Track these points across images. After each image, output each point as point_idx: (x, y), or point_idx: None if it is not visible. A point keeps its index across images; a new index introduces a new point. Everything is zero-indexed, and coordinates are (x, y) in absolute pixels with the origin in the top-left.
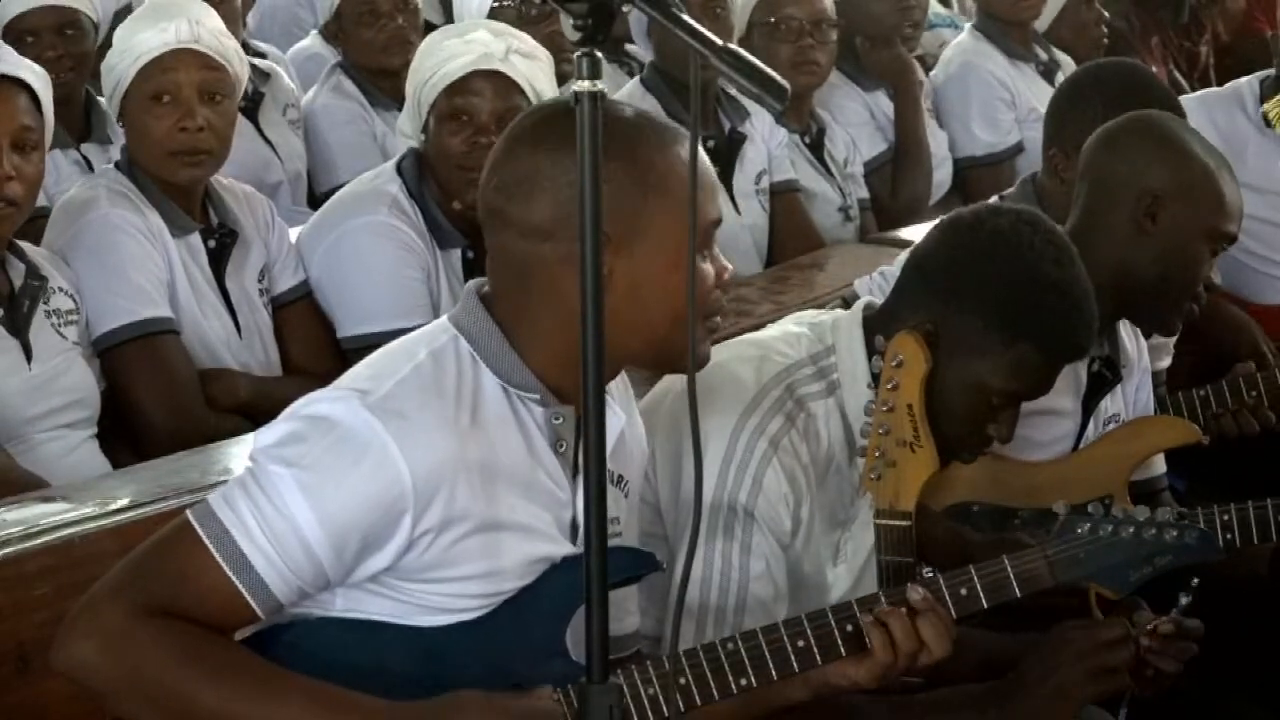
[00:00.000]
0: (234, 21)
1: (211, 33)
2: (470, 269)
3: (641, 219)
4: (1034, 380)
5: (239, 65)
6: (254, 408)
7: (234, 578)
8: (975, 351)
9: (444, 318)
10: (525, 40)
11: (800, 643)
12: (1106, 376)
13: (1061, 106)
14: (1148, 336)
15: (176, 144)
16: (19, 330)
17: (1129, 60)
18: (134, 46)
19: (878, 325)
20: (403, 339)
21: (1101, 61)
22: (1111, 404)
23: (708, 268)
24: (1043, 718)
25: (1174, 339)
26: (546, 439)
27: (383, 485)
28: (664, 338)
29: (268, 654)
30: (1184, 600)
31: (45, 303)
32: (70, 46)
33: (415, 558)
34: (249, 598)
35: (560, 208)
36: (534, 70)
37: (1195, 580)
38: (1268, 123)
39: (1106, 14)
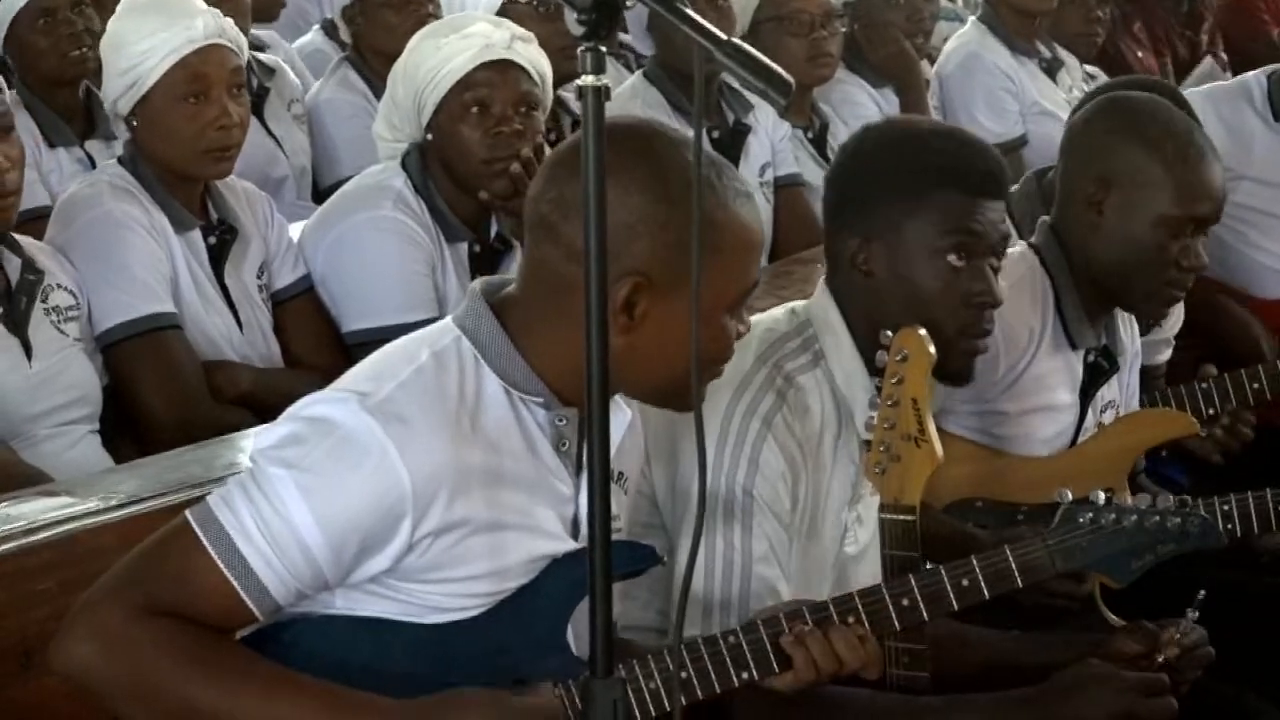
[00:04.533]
0: (243, 16)
1: (229, 25)
2: (477, 263)
3: (689, 272)
4: (967, 219)
5: (246, 52)
6: (256, 399)
7: (232, 580)
8: (905, 223)
9: (448, 319)
10: (519, 26)
11: None
12: (1103, 366)
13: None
14: (1144, 330)
15: (210, 142)
16: (18, 327)
17: (1152, 78)
18: (157, 46)
19: (832, 280)
20: (404, 339)
21: (1125, 80)
22: (1108, 391)
23: (734, 324)
24: None
25: (1174, 332)
26: (549, 439)
27: (382, 489)
28: (674, 380)
29: (267, 652)
30: (1193, 615)
31: (44, 300)
32: (89, 23)
33: (415, 559)
34: (247, 599)
35: (609, 239)
36: (535, 54)
37: (1202, 593)
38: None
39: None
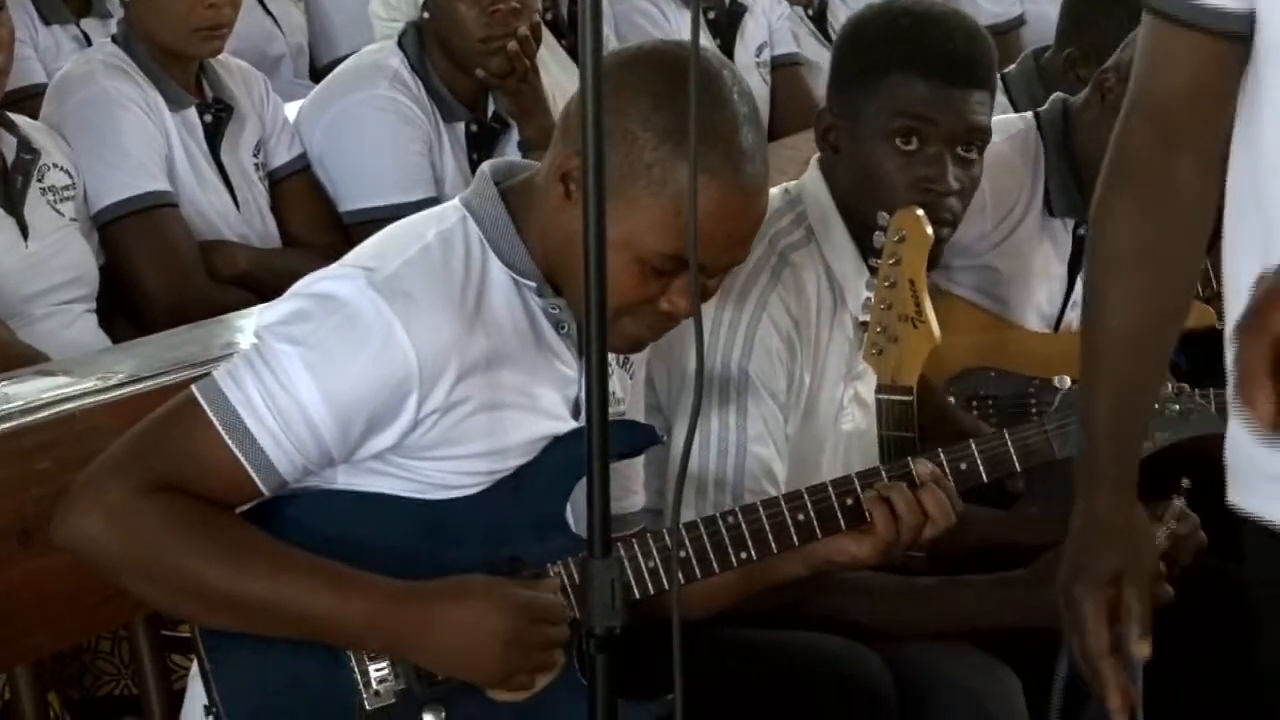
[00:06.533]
0: None
1: None
2: (474, 142)
3: (627, 195)
4: (920, 105)
5: None
6: (253, 279)
7: (239, 455)
8: (864, 104)
9: (455, 199)
10: None
11: (800, 516)
12: None
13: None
14: None
15: (201, 20)
16: (14, 207)
17: None
18: None
19: (824, 165)
20: (412, 218)
21: None
22: None
23: (650, 285)
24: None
25: None
26: (550, 322)
27: (389, 367)
28: (571, 290)
29: (269, 527)
30: (1178, 502)
31: (40, 179)
32: None
33: (419, 437)
34: (253, 474)
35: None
36: None
37: (1186, 482)
38: None
39: None
